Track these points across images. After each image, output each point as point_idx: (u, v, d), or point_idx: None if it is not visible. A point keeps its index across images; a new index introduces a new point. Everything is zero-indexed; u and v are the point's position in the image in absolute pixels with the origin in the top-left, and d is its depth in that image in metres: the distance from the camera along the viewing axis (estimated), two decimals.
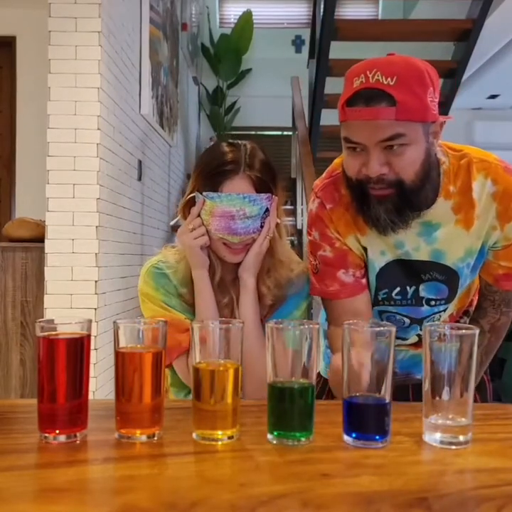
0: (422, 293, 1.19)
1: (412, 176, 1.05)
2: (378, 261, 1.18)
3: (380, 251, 1.17)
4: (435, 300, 1.20)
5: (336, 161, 1.22)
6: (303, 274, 1.26)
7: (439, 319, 1.23)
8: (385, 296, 1.21)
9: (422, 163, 1.05)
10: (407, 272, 1.18)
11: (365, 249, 1.19)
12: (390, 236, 1.13)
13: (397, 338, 1.23)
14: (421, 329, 1.22)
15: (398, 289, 1.19)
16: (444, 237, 1.14)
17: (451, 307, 1.24)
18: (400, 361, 1.29)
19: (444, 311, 1.23)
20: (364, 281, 1.20)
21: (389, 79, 1.00)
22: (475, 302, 1.32)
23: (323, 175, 1.24)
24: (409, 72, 1.02)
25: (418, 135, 1.03)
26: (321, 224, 1.19)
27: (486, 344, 1.27)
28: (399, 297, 1.20)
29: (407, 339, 1.26)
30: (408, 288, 1.19)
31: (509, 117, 5.87)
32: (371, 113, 1.01)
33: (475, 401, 1.28)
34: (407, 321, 1.23)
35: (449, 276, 1.17)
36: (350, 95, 1.03)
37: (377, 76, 1.01)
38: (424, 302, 1.20)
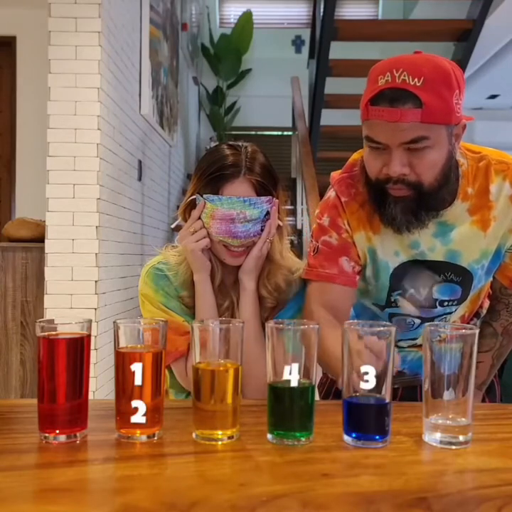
0: (436, 294, 1.18)
1: (431, 179, 1.04)
2: (392, 261, 1.17)
3: (393, 251, 1.16)
4: (448, 301, 1.19)
5: (355, 156, 1.21)
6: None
7: (448, 320, 1.23)
8: (398, 297, 1.20)
9: (443, 166, 1.05)
10: (421, 273, 1.16)
11: (371, 251, 1.18)
12: (406, 236, 1.12)
13: (406, 339, 1.24)
14: None
15: (412, 290, 1.18)
16: (460, 237, 1.13)
17: (463, 308, 1.23)
18: (409, 362, 1.28)
19: (454, 311, 1.22)
20: (358, 278, 1.19)
21: (416, 79, 0.98)
22: (485, 304, 1.31)
23: (342, 169, 1.23)
24: (436, 73, 0.99)
25: (441, 138, 1.02)
26: (334, 212, 1.18)
27: (497, 347, 1.26)
28: (412, 299, 1.19)
29: (416, 339, 1.26)
30: (421, 290, 1.17)
31: (509, 117, 5.87)
32: (396, 114, 0.98)
33: (483, 401, 1.28)
34: (418, 321, 1.22)
35: (464, 278, 1.16)
36: (375, 94, 1.01)
37: (404, 76, 0.98)
38: (437, 304, 1.19)
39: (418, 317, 1.21)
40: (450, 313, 1.21)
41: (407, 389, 1.29)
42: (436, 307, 1.19)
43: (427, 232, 1.12)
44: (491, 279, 1.23)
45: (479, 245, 1.14)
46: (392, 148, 1.02)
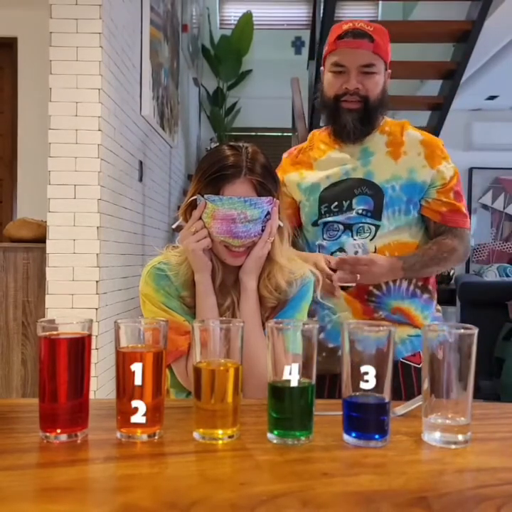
0: (354, 205, 1.57)
1: (374, 96, 1.52)
2: (323, 183, 1.59)
3: (326, 175, 1.59)
4: (363, 210, 1.55)
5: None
6: (304, 276, 1.26)
7: (369, 232, 1.54)
8: (326, 209, 1.59)
9: (382, 90, 1.55)
10: (344, 189, 1.57)
11: (301, 184, 1.61)
12: (338, 163, 1.57)
13: (334, 251, 1.57)
14: (352, 235, 1.55)
15: (336, 203, 1.58)
16: (376, 161, 1.56)
17: (386, 234, 1.53)
18: (328, 332, 1.49)
19: (375, 227, 1.53)
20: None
21: (369, 27, 1.52)
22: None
23: None
24: (381, 29, 1.54)
25: (382, 69, 1.54)
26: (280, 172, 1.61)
27: (426, 248, 1.56)
28: (336, 209, 1.58)
29: (341, 249, 1.54)
30: (344, 202, 1.58)
31: (508, 118, 5.85)
32: (357, 43, 1.50)
33: None
34: (341, 227, 1.57)
35: (376, 193, 1.55)
36: (342, 32, 1.51)
37: (361, 24, 1.52)
38: (355, 212, 1.56)
39: (340, 223, 1.57)
40: (367, 223, 1.54)
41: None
42: (353, 213, 1.55)
43: (354, 156, 1.57)
44: (417, 215, 1.55)
45: (390, 169, 1.55)
46: (351, 69, 1.50)
